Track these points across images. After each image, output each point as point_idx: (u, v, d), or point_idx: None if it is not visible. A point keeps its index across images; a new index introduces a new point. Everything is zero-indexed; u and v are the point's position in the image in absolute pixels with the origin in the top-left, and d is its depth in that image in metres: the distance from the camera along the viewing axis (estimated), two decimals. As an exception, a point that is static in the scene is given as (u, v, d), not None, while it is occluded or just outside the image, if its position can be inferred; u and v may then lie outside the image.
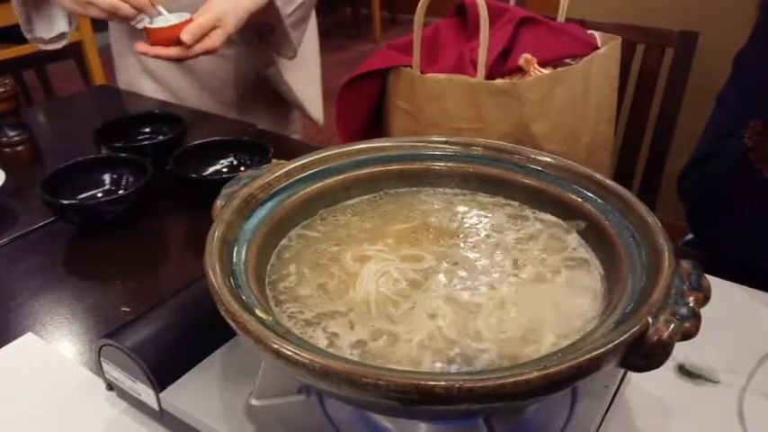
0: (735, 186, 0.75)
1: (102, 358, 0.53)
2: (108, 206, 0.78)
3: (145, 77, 1.23)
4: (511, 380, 0.33)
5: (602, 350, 0.34)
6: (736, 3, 1.54)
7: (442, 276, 0.48)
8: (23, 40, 1.12)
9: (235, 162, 0.91)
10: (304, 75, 1.23)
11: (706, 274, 0.40)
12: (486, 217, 0.55)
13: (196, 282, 0.56)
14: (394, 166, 0.57)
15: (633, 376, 0.52)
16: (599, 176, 0.51)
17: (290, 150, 0.94)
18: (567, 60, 1.01)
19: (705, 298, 0.39)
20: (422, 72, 0.98)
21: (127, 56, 1.24)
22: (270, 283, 0.47)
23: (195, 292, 0.55)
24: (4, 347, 0.61)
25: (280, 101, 1.26)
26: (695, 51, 1.23)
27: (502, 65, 0.99)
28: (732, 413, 0.52)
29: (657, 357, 0.36)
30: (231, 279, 0.42)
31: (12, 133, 0.97)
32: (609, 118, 1.08)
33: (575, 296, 0.46)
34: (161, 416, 0.50)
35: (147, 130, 1.00)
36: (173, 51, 0.91)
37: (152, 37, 0.92)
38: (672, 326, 0.36)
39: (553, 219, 0.54)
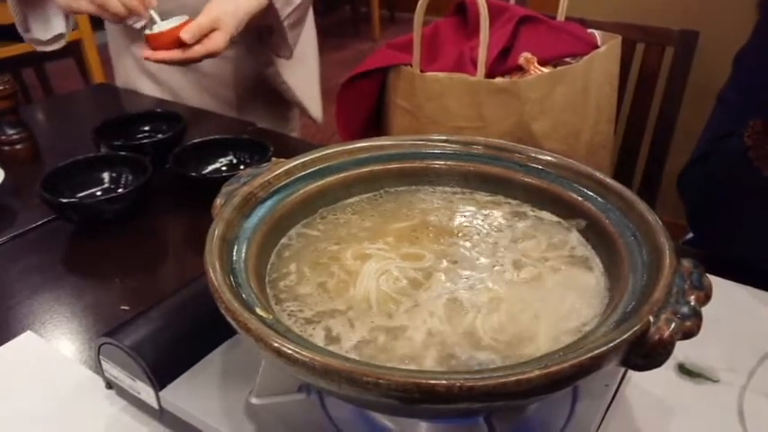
0: (735, 185, 0.75)
1: (101, 357, 0.53)
2: (107, 204, 0.78)
3: (143, 77, 1.23)
4: (512, 379, 0.33)
5: (604, 349, 0.34)
6: (736, 2, 1.54)
7: (442, 275, 0.48)
8: (22, 38, 1.11)
9: (234, 160, 0.91)
10: (302, 74, 1.23)
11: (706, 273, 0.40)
12: (487, 215, 0.55)
13: (196, 280, 0.56)
14: (394, 165, 0.57)
15: (633, 375, 0.52)
16: (599, 175, 0.51)
17: (289, 149, 0.93)
18: (567, 59, 1.01)
19: (706, 297, 0.38)
20: (422, 71, 0.97)
21: (124, 56, 1.24)
22: (270, 281, 0.47)
23: (195, 291, 0.55)
24: (3, 346, 0.61)
25: (279, 100, 1.26)
26: (695, 50, 1.23)
27: (502, 63, 0.99)
28: (732, 412, 0.51)
29: (659, 356, 0.36)
30: (231, 277, 0.42)
31: (11, 131, 0.97)
32: (609, 117, 1.08)
33: (575, 295, 0.46)
34: (161, 414, 0.50)
35: (147, 128, 1.00)
36: (175, 54, 0.91)
37: (152, 42, 0.92)
38: (673, 325, 0.36)
39: (553, 217, 0.54)
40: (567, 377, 0.34)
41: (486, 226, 0.53)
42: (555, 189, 0.53)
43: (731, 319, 0.60)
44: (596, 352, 0.34)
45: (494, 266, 0.49)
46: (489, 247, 0.51)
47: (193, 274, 0.52)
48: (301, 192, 0.53)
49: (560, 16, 1.11)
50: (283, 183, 0.53)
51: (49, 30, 1.10)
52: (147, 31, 0.92)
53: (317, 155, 0.55)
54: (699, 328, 0.37)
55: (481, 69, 0.93)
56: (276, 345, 0.35)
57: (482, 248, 0.51)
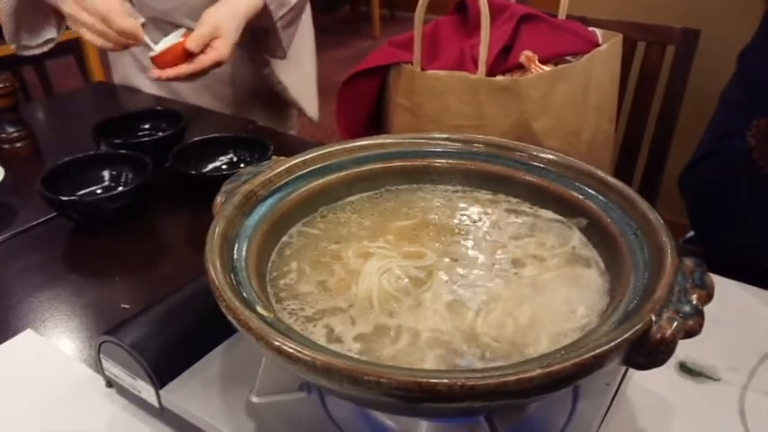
0: (737, 184, 0.75)
1: (101, 355, 0.53)
2: (107, 203, 0.78)
3: (142, 76, 1.23)
4: (513, 377, 0.33)
5: (606, 348, 0.34)
6: (737, 1, 1.54)
7: (443, 273, 0.48)
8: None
9: (235, 159, 0.91)
10: (298, 74, 1.24)
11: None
12: (487, 214, 0.55)
13: (196, 279, 0.56)
14: (395, 163, 0.57)
15: (634, 374, 0.52)
16: (601, 173, 0.51)
17: (289, 147, 0.93)
18: (568, 58, 1.01)
19: (708, 296, 0.38)
20: (422, 69, 0.97)
21: (122, 54, 1.24)
22: (270, 280, 0.47)
23: (195, 289, 0.55)
24: (3, 344, 0.61)
25: (277, 98, 1.26)
26: (696, 49, 1.23)
27: (503, 62, 0.99)
28: (733, 411, 0.51)
29: (661, 355, 0.36)
30: (232, 276, 0.42)
31: (11, 129, 0.97)
32: (610, 115, 1.08)
33: (577, 293, 0.46)
34: (161, 413, 0.50)
35: (147, 126, 1.00)
36: (183, 68, 0.91)
37: (159, 62, 0.92)
38: (675, 323, 0.36)
39: (555, 216, 0.54)
40: (568, 376, 0.33)
41: (487, 224, 0.53)
42: (556, 187, 0.53)
43: (732, 318, 0.59)
44: (598, 351, 0.34)
45: (495, 265, 0.49)
46: (490, 245, 0.51)
47: (194, 272, 0.52)
48: (302, 190, 0.53)
49: (561, 14, 1.11)
50: (284, 181, 0.52)
51: (38, 37, 1.10)
52: (151, 54, 0.93)
53: (318, 153, 0.55)
54: (701, 326, 0.36)
55: (482, 67, 0.93)
56: (277, 343, 0.35)
57: (483, 247, 0.51)
